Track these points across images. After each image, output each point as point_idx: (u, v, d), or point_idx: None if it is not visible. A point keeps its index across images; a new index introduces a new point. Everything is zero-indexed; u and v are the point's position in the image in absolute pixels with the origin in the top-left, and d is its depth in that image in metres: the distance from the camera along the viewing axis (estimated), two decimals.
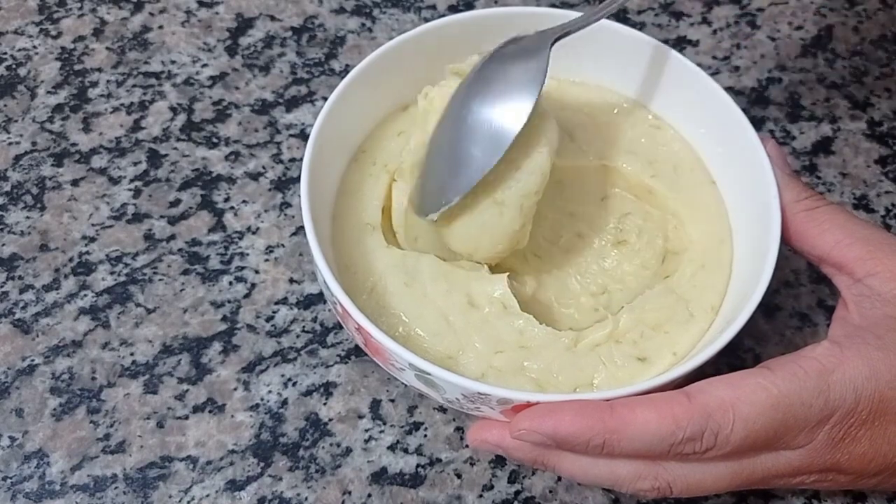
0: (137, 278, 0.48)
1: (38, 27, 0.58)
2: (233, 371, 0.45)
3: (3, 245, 0.49)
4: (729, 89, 0.55)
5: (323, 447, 0.43)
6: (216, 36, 0.58)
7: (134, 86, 0.56)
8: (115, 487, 0.42)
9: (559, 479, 0.43)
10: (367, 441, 0.43)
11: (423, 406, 0.44)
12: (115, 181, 0.51)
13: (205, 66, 0.57)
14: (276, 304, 0.47)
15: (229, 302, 0.47)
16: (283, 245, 0.49)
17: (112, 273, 0.48)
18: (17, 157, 0.52)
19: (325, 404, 0.44)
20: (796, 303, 0.48)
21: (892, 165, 0.54)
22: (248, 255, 0.49)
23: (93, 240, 0.49)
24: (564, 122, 0.45)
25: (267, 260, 0.49)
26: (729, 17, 0.61)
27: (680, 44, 0.59)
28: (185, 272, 0.48)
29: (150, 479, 0.42)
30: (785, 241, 0.39)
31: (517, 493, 0.42)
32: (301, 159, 0.40)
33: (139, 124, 0.54)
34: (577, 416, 0.33)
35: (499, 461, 0.43)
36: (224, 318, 0.47)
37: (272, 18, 0.59)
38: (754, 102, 0.56)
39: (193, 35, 0.58)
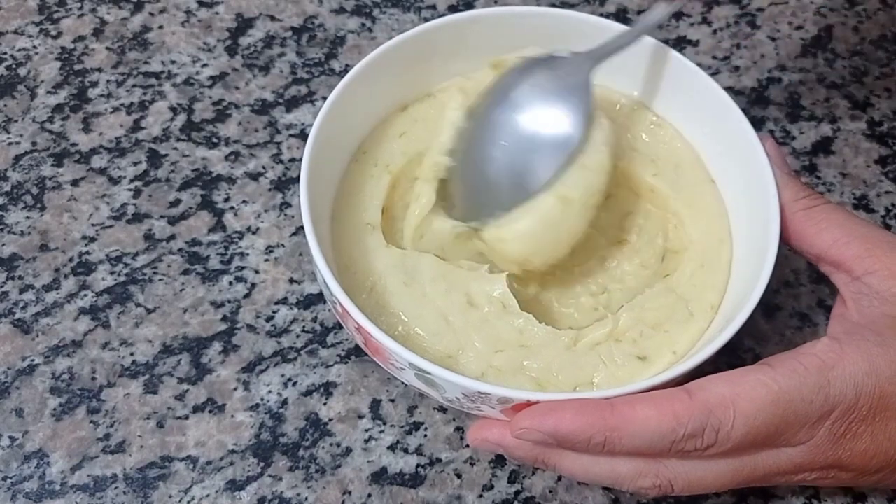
0: (137, 278, 0.48)
1: (38, 27, 0.58)
2: (233, 371, 0.45)
3: (3, 245, 0.49)
4: (729, 89, 0.55)
5: (323, 447, 0.43)
6: (216, 36, 0.58)
7: (134, 86, 0.56)
8: (115, 487, 0.42)
9: (559, 478, 0.43)
10: (367, 441, 0.43)
11: (423, 406, 0.44)
12: (115, 181, 0.51)
13: (205, 66, 0.57)
14: (276, 304, 0.47)
15: (229, 302, 0.47)
16: (283, 245, 0.49)
17: (112, 273, 0.48)
18: (17, 157, 0.52)
19: (325, 404, 0.44)
20: (796, 303, 0.48)
21: (892, 165, 0.54)
22: (248, 255, 0.49)
23: (93, 240, 0.49)
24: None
25: (267, 260, 0.49)
26: (729, 17, 0.61)
27: (680, 44, 0.59)
28: (185, 272, 0.48)
29: (150, 479, 0.42)
30: (784, 240, 0.39)
31: (517, 493, 0.42)
32: (301, 159, 0.40)
33: (139, 124, 0.54)
34: (578, 414, 0.33)
35: (499, 461, 0.43)
36: (224, 318, 0.47)
37: (272, 18, 0.59)
38: (754, 102, 0.56)
39: (193, 35, 0.58)
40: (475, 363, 0.38)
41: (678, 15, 0.60)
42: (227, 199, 0.51)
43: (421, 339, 0.39)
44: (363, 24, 0.59)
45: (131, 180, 0.51)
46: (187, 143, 0.53)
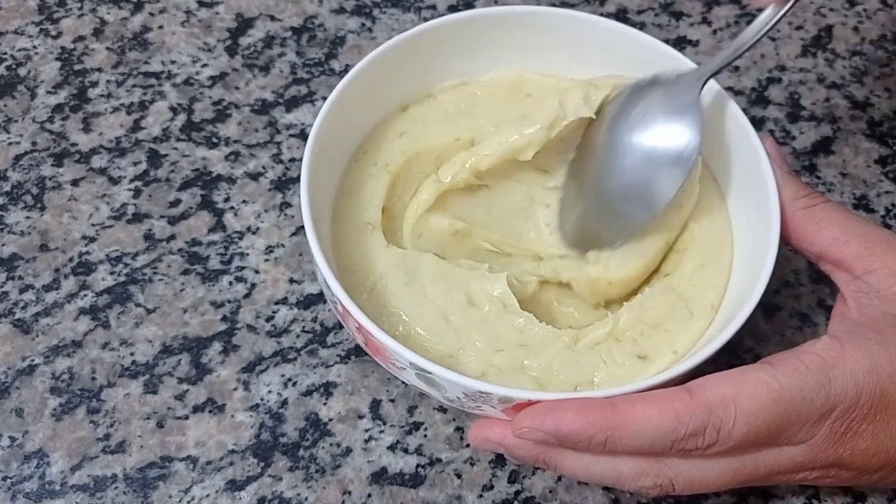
0: (137, 278, 0.48)
1: (38, 27, 0.58)
2: (233, 371, 0.45)
3: (3, 245, 0.49)
4: (729, 89, 0.55)
5: (323, 447, 0.43)
6: (216, 36, 0.58)
7: (134, 86, 0.56)
8: (115, 487, 0.42)
9: (559, 478, 0.42)
10: (367, 441, 0.43)
11: (423, 406, 0.44)
12: (115, 181, 0.51)
13: (205, 66, 0.57)
14: (276, 304, 0.47)
15: (229, 302, 0.47)
16: (283, 245, 0.49)
17: (112, 273, 0.48)
18: (17, 157, 0.52)
19: (325, 404, 0.44)
20: (796, 303, 0.48)
21: (892, 165, 0.54)
22: (248, 255, 0.49)
23: (93, 240, 0.49)
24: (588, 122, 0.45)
25: (267, 260, 0.49)
26: (729, 17, 0.61)
27: (680, 44, 0.59)
28: (185, 272, 0.48)
29: (150, 479, 0.42)
30: (784, 239, 0.39)
31: (517, 493, 0.42)
32: (301, 159, 0.40)
33: (139, 124, 0.54)
34: (579, 413, 0.33)
35: (499, 461, 0.43)
36: (224, 318, 0.47)
37: (272, 18, 0.59)
38: (754, 102, 0.56)
39: (193, 35, 0.58)
40: (476, 363, 0.38)
41: (678, 15, 0.60)
42: (227, 199, 0.51)
43: (422, 338, 0.39)
44: (363, 24, 0.59)
45: (131, 180, 0.51)
46: (187, 143, 0.53)
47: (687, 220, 0.43)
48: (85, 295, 0.47)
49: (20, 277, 0.48)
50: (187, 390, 0.44)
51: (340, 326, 0.46)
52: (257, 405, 0.44)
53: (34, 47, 0.57)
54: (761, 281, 0.37)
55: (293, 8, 0.60)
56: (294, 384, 0.45)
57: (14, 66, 0.56)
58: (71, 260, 0.48)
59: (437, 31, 0.45)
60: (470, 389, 0.35)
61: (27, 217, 0.50)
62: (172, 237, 0.49)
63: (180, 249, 0.49)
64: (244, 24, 0.59)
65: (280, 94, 0.55)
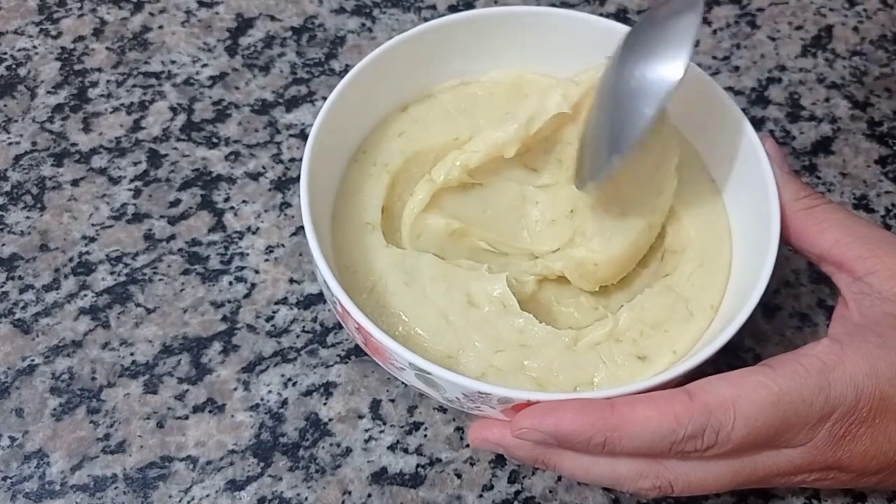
0: (137, 278, 0.48)
1: (38, 27, 0.58)
2: (233, 371, 0.45)
3: (3, 245, 0.49)
4: (729, 89, 0.55)
5: (323, 447, 0.43)
6: (216, 36, 0.58)
7: (134, 86, 0.56)
8: (115, 487, 0.42)
9: (559, 478, 0.43)
10: (367, 441, 0.43)
11: (423, 406, 0.44)
12: (115, 181, 0.51)
13: (205, 66, 0.57)
14: (276, 304, 0.47)
15: (229, 302, 0.47)
16: (283, 245, 0.49)
17: (112, 273, 0.48)
18: (17, 157, 0.52)
19: (325, 404, 0.44)
20: (796, 303, 0.48)
21: (892, 165, 0.54)
22: (248, 255, 0.49)
23: (93, 240, 0.49)
24: (566, 116, 0.45)
25: (267, 260, 0.49)
26: (729, 17, 0.61)
27: None
28: (185, 272, 0.48)
29: (150, 479, 0.42)
30: (784, 240, 0.39)
31: (517, 493, 0.42)
32: (301, 159, 0.40)
33: (139, 124, 0.54)
34: (579, 414, 0.33)
35: (499, 461, 0.43)
36: (224, 318, 0.47)
37: (272, 18, 0.59)
38: (754, 102, 0.56)
39: (193, 35, 0.58)
40: (475, 363, 0.38)
41: None
42: (227, 199, 0.51)
43: (421, 338, 0.39)
44: (363, 24, 0.59)
45: (131, 180, 0.51)
46: (187, 143, 0.53)
47: (672, 219, 0.43)
48: (85, 295, 0.47)
49: (20, 277, 0.48)
50: (187, 390, 0.44)
51: (340, 326, 0.46)
52: (257, 405, 0.44)
53: (34, 47, 0.57)
54: (761, 281, 0.37)
55: (293, 8, 0.60)
56: (294, 384, 0.45)
57: (14, 66, 0.56)
58: (71, 260, 0.48)
59: (437, 32, 0.45)
60: (469, 390, 0.35)
61: (27, 217, 0.50)
62: (172, 237, 0.49)
63: (180, 249, 0.49)
64: (244, 24, 0.59)
65: (280, 94, 0.55)
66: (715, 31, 0.60)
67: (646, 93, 0.35)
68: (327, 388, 0.45)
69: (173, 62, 0.57)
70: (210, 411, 0.44)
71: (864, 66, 0.58)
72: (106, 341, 0.46)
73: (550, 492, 0.42)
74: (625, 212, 0.41)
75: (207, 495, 0.42)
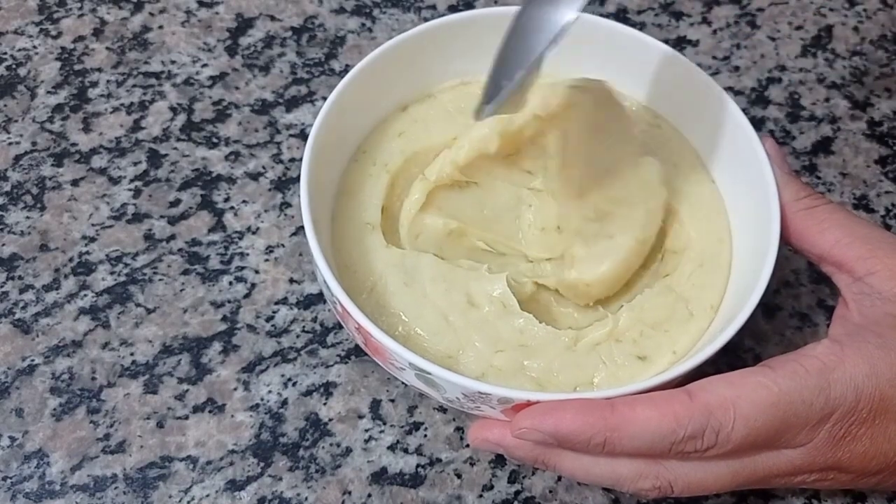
0: (137, 278, 0.48)
1: (38, 27, 0.58)
2: (233, 371, 0.45)
3: (3, 245, 0.49)
4: (729, 89, 0.55)
5: (323, 447, 0.43)
6: (216, 36, 0.58)
7: (134, 86, 0.56)
8: (115, 487, 0.42)
9: (559, 478, 0.43)
10: (367, 441, 0.43)
11: (423, 406, 0.44)
12: (115, 181, 0.51)
13: (205, 66, 0.57)
14: (276, 304, 0.47)
15: (229, 302, 0.47)
16: (283, 245, 0.49)
17: (112, 273, 0.48)
18: (17, 157, 0.52)
19: (325, 404, 0.44)
20: (796, 303, 0.48)
21: (892, 165, 0.54)
22: (248, 255, 0.49)
23: (93, 240, 0.49)
24: (538, 124, 0.45)
25: (267, 260, 0.49)
26: (729, 17, 0.61)
27: (680, 44, 0.59)
28: (185, 272, 0.48)
29: (150, 479, 0.42)
30: (784, 240, 0.39)
31: (517, 493, 0.42)
32: (301, 159, 0.40)
33: (139, 124, 0.54)
34: (579, 414, 0.33)
35: (499, 461, 0.43)
36: (224, 318, 0.47)
37: (272, 18, 0.59)
38: (754, 102, 0.56)
39: (193, 35, 0.58)
40: (475, 363, 0.39)
41: (678, 15, 0.60)
42: (227, 199, 0.51)
43: (421, 338, 0.39)
44: (363, 24, 0.59)
45: (131, 180, 0.51)
46: (187, 143, 0.53)
47: (671, 220, 0.43)
48: (85, 295, 0.47)
49: (20, 277, 0.48)
50: (187, 390, 0.44)
51: (340, 326, 0.46)
52: (257, 405, 0.44)
53: (34, 47, 0.57)
54: (761, 281, 0.37)
55: (293, 8, 0.60)
56: (294, 384, 0.45)
57: (14, 66, 0.56)
58: (71, 260, 0.48)
59: (438, 32, 0.45)
60: (469, 390, 0.35)
61: (27, 217, 0.50)
62: (172, 237, 0.49)
63: (180, 249, 0.49)
64: (244, 24, 0.59)
65: (280, 94, 0.55)
66: (715, 31, 0.60)
67: (541, 30, 0.36)
68: (327, 388, 0.45)
69: (173, 62, 0.57)
70: (210, 411, 0.44)
71: (864, 66, 0.58)
72: (106, 341, 0.46)
73: (550, 492, 0.42)
74: (612, 233, 0.41)
75: (207, 495, 0.42)
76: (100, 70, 0.56)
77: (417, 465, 0.43)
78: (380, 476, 0.42)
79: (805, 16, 0.61)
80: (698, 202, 0.44)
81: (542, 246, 0.43)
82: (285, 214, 0.50)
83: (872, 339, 0.35)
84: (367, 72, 0.43)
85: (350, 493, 0.42)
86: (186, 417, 0.44)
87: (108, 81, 0.56)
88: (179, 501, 0.41)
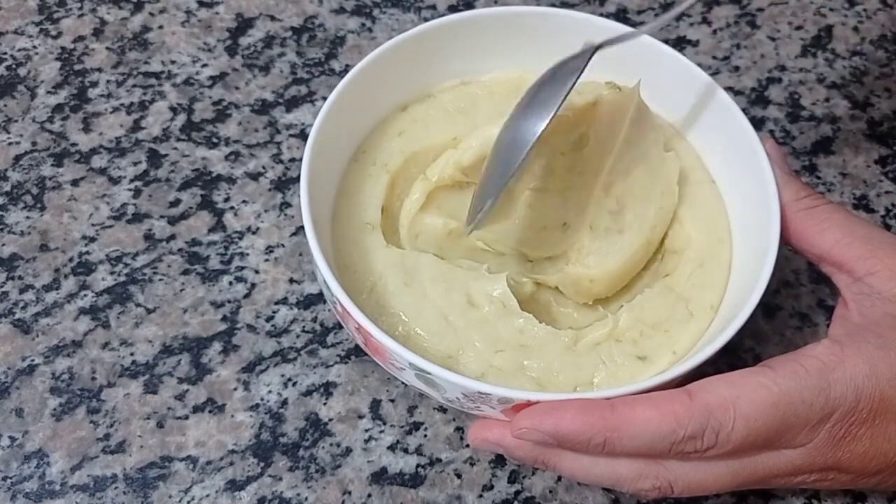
0: (137, 278, 0.48)
1: (38, 27, 0.58)
2: (233, 371, 0.45)
3: (3, 245, 0.49)
4: (729, 89, 0.55)
5: (323, 447, 0.43)
6: (216, 36, 0.58)
7: (134, 86, 0.56)
8: (115, 487, 0.42)
9: (559, 478, 0.43)
10: (367, 441, 0.43)
11: (423, 406, 0.44)
12: (115, 181, 0.51)
13: (205, 66, 0.57)
14: (276, 304, 0.47)
15: (229, 302, 0.47)
16: (283, 245, 0.49)
17: (112, 273, 0.48)
18: (17, 157, 0.52)
19: (325, 404, 0.44)
20: (796, 303, 0.48)
21: (892, 165, 0.54)
22: (248, 255, 0.49)
23: (93, 240, 0.49)
24: (565, 121, 0.45)
25: (267, 260, 0.49)
26: (729, 17, 0.61)
27: (680, 44, 0.59)
28: (185, 272, 0.48)
29: (150, 479, 0.42)
30: (784, 240, 0.39)
31: (517, 493, 0.42)
32: (301, 159, 0.40)
33: (139, 124, 0.54)
34: (579, 414, 0.33)
35: (499, 461, 0.43)
36: (224, 318, 0.47)
37: (272, 18, 0.59)
38: (754, 102, 0.56)
39: (193, 35, 0.58)
40: (475, 363, 0.38)
41: (678, 15, 0.60)
42: (227, 199, 0.51)
43: (421, 338, 0.39)
44: (363, 24, 0.59)
45: (131, 180, 0.51)
46: (187, 143, 0.53)
47: (672, 220, 0.43)
48: (85, 295, 0.47)
49: (20, 277, 0.48)
50: (187, 390, 0.44)
51: (340, 326, 0.46)
52: (257, 405, 0.44)
53: (34, 47, 0.57)
54: (761, 281, 0.37)
55: (293, 8, 0.60)
56: (294, 384, 0.45)
57: (14, 66, 0.56)
58: (71, 260, 0.48)
59: (438, 31, 0.45)
60: (469, 390, 0.35)
61: (27, 217, 0.50)
62: (172, 237, 0.49)
63: (180, 249, 0.49)
64: (244, 24, 0.59)
65: (280, 94, 0.55)
66: (715, 31, 0.60)
67: (516, 145, 0.37)
68: (327, 388, 0.45)
69: (173, 62, 0.57)
70: (210, 411, 0.44)
71: (864, 66, 0.58)
72: (106, 341, 0.46)
73: (550, 492, 0.42)
74: (623, 229, 0.41)
75: (207, 495, 0.42)
76: (100, 70, 0.56)
77: (417, 465, 0.43)
78: (380, 476, 0.42)
79: (805, 16, 0.61)
80: (698, 202, 0.44)
81: (543, 244, 0.43)
82: (285, 214, 0.50)
83: (872, 339, 0.35)
84: (367, 72, 0.43)
85: (350, 493, 0.42)
86: (186, 417, 0.44)
87: (108, 81, 0.56)
88: (179, 501, 0.41)
